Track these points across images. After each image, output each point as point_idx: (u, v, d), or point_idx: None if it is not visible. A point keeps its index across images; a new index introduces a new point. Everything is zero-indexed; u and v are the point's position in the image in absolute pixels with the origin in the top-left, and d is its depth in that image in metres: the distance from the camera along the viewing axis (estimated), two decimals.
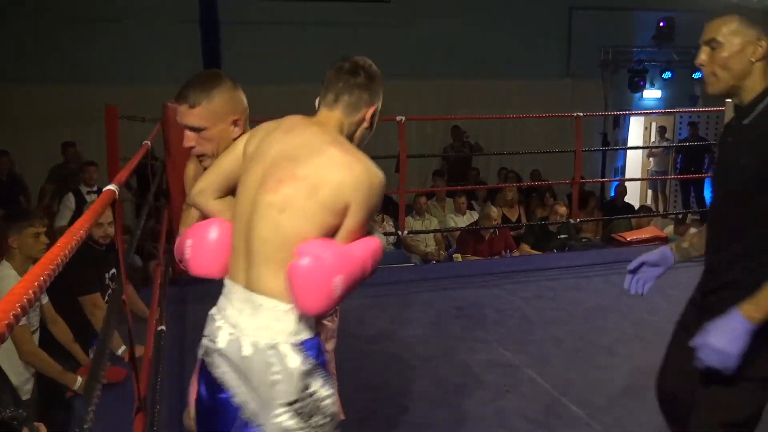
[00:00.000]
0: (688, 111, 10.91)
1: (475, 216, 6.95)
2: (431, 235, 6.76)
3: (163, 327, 3.27)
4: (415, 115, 9.32)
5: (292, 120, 1.63)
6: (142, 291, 4.01)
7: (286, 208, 1.48)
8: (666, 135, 11.17)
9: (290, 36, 9.16)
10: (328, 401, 1.52)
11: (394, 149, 5.26)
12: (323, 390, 1.51)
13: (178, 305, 4.15)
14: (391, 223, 6.68)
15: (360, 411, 2.94)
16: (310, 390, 1.49)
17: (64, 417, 3.08)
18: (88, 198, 5.94)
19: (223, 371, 1.55)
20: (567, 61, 11.22)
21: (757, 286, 1.59)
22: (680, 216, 6.95)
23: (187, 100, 1.76)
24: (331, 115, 1.61)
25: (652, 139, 11.80)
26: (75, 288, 3.42)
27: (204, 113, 1.76)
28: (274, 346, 1.48)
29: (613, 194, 9.57)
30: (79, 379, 3.07)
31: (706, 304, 1.76)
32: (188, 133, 1.78)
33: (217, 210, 1.68)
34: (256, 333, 1.49)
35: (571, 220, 5.78)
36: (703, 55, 1.70)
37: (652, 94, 11.67)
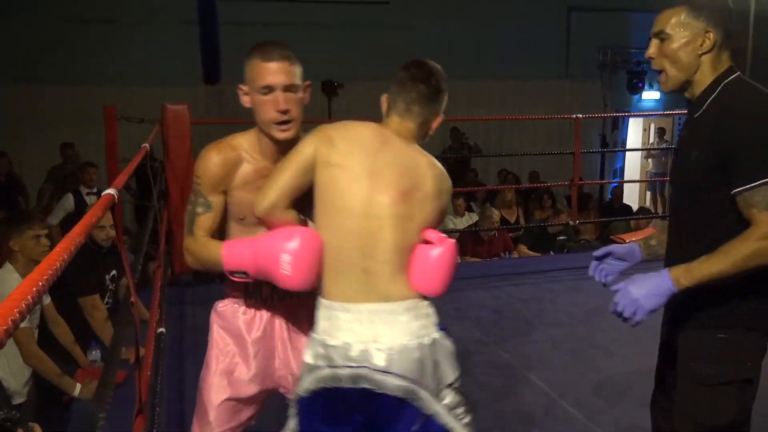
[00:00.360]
0: (686, 113, 10.90)
1: (474, 218, 6.95)
2: None
3: (163, 329, 3.27)
4: None
5: (373, 129, 1.66)
6: (141, 293, 4.01)
7: (414, 217, 1.61)
8: (665, 136, 11.18)
9: (289, 37, 9.01)
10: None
11: None
12: None
13: (177, 307, 4.15)
14: None
15: None
16: (457, 364, 1.66)
17: (62, 418, 3.08)
18: (87, 199, 5.94)
19: (396, 385, 1.53)
20: (566, 62, 11.23)
21: (715, 290, 1.59)
22: None
23: (287, 58, 1.68)
24: (404, 124, 1.68)
25: (651, 140, 11.81)
26: (74, 289, 3.43)
27: (299, 72, 1.71)
28: (434, 340, 1.60)
29: (610, 196, 9.57)
30: (79, 385, 3.07)
31: (669, 306, 1.71)
32: (286, 95, 1.67)
33: (288, 220, 1.65)
34: (417, 335, 1.57)
35: (570, 222, 5.78)
36: (651, 48, 1.69)
37: (650, 95, 11.67)
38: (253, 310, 1.84)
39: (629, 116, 11.62)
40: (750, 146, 1.54)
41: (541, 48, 10.63)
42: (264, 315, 1.84)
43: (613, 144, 11.48)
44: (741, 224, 1.56)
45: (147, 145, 3.09)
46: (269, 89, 1.66)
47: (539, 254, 6.14)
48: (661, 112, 11.62)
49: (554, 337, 3.80)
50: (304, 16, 9.32)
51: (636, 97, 11.49)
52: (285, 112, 1.68)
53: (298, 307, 1.83)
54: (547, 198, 7.63)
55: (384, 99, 1.71)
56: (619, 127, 11.66)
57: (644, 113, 11.65)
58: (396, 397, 1.53)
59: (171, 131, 4.22)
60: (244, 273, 1.64)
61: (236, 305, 1.85)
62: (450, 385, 1.60)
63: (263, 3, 9.27)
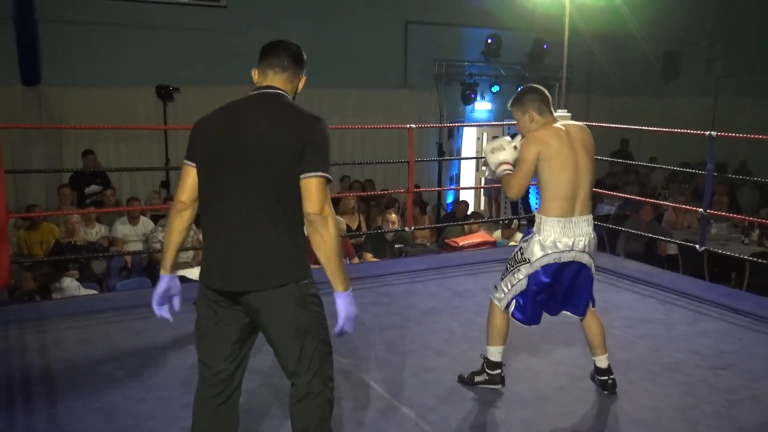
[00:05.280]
0: (514, 123, 11.65)
1: None
2: None
3: None
4: None
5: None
6: None
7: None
8: None
9: (119, 38, 8.68)
10: None
11: None
12: None
13: None
14: None
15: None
16: None
17: None
18: None
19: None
20: (404, 73, 11.60)
21: None
22: (506, 221, 7.40)
23: None
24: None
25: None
26: None
27: None
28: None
29: (450, 206, 9.97)
30: None
31: None
32: None
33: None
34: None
35: (406, 228, 5.96)
36: None
37: (483, 106, 12.37)
38: None
39: (462, 126, 12.23)
40: None
41: (381, 58, 10.92)
42: None
43: (449, 152, 12.03)
44: None
45: None
46: None
47: (378, 260, 6.27)
48: (493, 122, 12.36)
49: (390, 339, 3.89)
50: (135, 17, 8.87)
51: (469, 107, 12.13)
52: None
53: None
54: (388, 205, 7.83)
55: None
56: (454, 135, 12.23)
57: (475, 124, 12.31)
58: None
59: None
60: None
61: None
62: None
63: (90, 1, 8.71)
